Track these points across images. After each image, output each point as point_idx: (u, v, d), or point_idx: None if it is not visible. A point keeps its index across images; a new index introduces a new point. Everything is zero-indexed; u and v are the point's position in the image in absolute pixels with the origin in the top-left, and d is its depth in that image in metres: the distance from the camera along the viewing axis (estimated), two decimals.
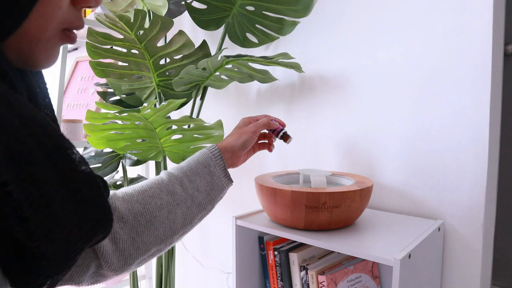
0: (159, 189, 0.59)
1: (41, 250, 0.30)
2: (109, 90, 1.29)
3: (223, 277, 1.40)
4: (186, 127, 1.09)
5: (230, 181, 0.69)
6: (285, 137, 0.81)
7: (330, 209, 0.72)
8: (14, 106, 0.29)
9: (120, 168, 1.28)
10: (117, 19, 0.93)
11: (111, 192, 0.56)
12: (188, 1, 1.15)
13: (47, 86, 0.42)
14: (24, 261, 0.30)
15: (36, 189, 0.29)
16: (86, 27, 1.66)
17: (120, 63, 1.14)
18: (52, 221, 0.30)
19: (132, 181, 1.34)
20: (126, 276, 1.65)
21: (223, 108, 1.35)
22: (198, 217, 0.64)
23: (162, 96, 1.18)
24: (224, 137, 0.75)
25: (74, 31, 0.39)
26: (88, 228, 0.34)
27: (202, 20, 1.13)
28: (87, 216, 0.34)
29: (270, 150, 0.83)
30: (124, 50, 1.07)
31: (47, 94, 0.41)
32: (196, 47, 1.11)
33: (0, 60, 0.32)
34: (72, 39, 0.38)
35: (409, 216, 0.87)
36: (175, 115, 1.53)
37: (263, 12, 1.09)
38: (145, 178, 1.39)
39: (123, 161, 1.27)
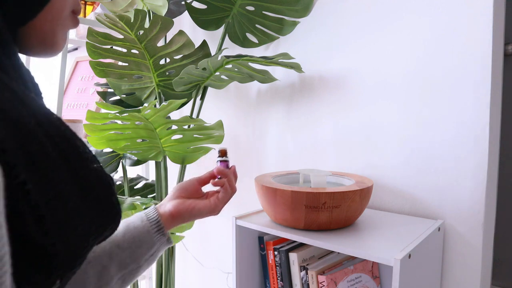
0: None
1: (56, 248, 0.30)
2: (109, 90, 1.28)
3: (223, 277, 1.40)
4: (186, 127, 1.09)
5: (163, 236, 0.58)
6: (221, 152, 0.69)
7: (330, 209, 0.72)
8: (30, 107, 0.30)
9: (120, 168, 1.28)
10: (117, 19, 0.93)
11: None
12: (188, 1, 1.15)
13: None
14: (36, 260, 0.30)
15: (52, 188, 0.30)
16: (86, 27, 1.66)
17: (120, 63, 1.14)
18: (67, 219, 0.31)
19: (132, 181, 1.34)
20: None
21: (223, 108, 1.35)
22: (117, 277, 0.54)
23: (162, 96, 1.18)
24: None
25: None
26: (98, 224, 0.35)
27: (202, 20, 1.13)
28: (99, 212, 0.34)
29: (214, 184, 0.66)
30: (124, 50, 1.07)
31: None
32: (196, 47, 1.11)
33: (17, 62, 0.33)
34: (77, 22, 0.42)
35: (409, 216, 0.87)
36: (175, 115, 1.53)
37: (263, 12, 1.09)
38: (145, 179, 1.39)
39: (123, 161, 1.27)
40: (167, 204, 0.62)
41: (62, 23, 0.38)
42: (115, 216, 0.37)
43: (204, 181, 0.66)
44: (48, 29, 0.37)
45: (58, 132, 0.32)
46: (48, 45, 0.38)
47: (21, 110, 0.29)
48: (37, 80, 0.40)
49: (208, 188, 0.66)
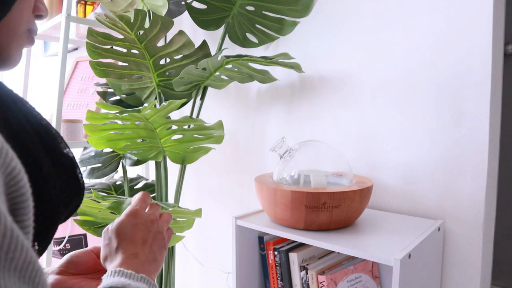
0: None
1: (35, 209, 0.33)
2: (109, 90, 1.28)
3: (223, 277, 1.40)
4: (186, 127, 1.09)
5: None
6: None
7: (330, 209, 0.72)
8: (22, 110, 0.37)
9: (120, 168, 1.27)
10: (117, 19, 0.93)
11: None
12: (188, 1, 1.15)
13: None
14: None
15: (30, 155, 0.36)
16: (86, 27, 1.66)
17: (120, 63, 1.14)
18: (44, 181, 0.36)
19: (132, 181, 1.34)
20: None
21: (223, 108, 1.35)
22: None
23: (162, 96, 1.18)
24: None
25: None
26: (67, 193, 0.40)
27: (202, 20, 1.13)
28: (66, 180, 0.40)
29: None
30: (124, 50, 1.07)
31: None
32: (196, 47, 1.11)
33: None
34: (32, 41, 0.44)
35: (409, 216, 0.87)
36: (175, 115, 1.53)
37: (263, 12, 1.09)
38: (145, 179, 1.39)
39: (123, 161, 1.27)
40: None
41: (18, 39, 0.40)
42: (79, 188, 0.41)
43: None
44: (4, 42, 0.39)
45: (42, 127, 0.38)
46: (2, 58, 0.40)
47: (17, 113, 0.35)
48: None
49: None
